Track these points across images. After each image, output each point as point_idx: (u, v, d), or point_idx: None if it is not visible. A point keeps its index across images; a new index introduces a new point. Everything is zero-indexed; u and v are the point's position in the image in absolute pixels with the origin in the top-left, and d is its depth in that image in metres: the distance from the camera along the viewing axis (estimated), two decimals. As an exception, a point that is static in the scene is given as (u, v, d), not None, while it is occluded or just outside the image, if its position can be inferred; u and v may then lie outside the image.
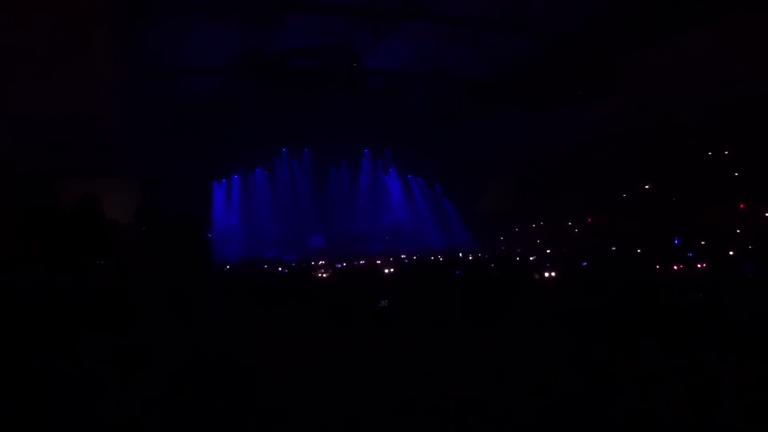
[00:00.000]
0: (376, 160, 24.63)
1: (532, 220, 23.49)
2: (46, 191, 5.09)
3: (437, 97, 20.41)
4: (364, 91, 19.66)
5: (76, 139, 16.14)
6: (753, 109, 15.95)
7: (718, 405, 3.47)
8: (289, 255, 20.70)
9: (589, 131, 19.61)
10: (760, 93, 15.33)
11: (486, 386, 4.35)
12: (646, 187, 20.00)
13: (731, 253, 12.35)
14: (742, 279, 8.78)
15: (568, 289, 8.53)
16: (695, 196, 17.27)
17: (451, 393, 4.44)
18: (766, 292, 7.29)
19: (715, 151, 18.18)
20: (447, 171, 24.13)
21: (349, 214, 23.93)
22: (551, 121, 19.38)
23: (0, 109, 12.82)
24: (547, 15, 15.23)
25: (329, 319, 7.00)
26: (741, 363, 3.49)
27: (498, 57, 17.51)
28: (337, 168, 24.14)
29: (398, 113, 20.79)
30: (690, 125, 18.37)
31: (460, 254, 17.44)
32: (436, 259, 16.15)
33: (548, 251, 17.54)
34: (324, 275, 13.68)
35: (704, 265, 10.17)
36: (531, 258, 14.51)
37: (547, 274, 10.22)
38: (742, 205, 16.46)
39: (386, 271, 13.72)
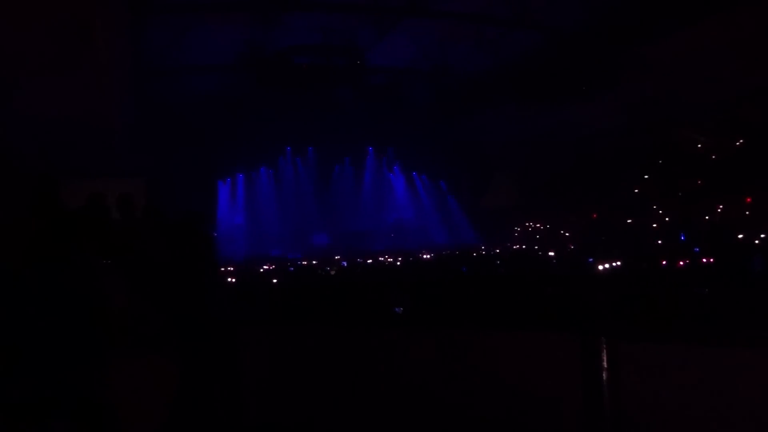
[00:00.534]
0: (380, 157, 24.58)
1: (537, 216, 23.43)
2: (52, 192, 5.08)
3: (441, 94, 20.37)
4: (367, 89, 19.65)
5: (80, 140, 16.15)
6: (757, 104, 15.87)
7: (726, 401, 3.45)
8: (294, 253, 20.72)
9: (593, 127, 19.54)
10: (763, 87, 15.25)
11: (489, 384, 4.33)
12: (652, 182, 19.93)
13: (738, 247, 12.30)
14: (748, 273, 8.73)
15: (574, 285, 8.50)
16: (701, 191, 17.20)
17: (455, 391, 4.42)
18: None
19: (721, 145, 18.10)
20: (451, 168, 24.07)
21: (354, 211, 23.90)
22: (555, 116, 19.32)
23: (3, 110, 12.84)
24: (549, 11, 15.19)
25: (335, 317, 6.99)
26: (749, 358, 3.46)
27: (501, 53, 17.46)
28: (342, 166, 24.11)
29: (402, 110, 20.75)
30: (694, 120, 18.29)
31: (465, 251, 17.45)
32: (442, 255, 16.16)
33: (553, 247, 17.50)
34: (330, 273, 13.70)
35: (711, 260, 10.13)
36: (536, 254, 14.49)
37: (553, 271, 10.20)
38: (748, 199, 16.38)
39: (391, 266, 13.73)
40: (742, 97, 16.15)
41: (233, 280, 12.29)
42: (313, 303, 8.19)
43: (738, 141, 17.69)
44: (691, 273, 9.70)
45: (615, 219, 19.68)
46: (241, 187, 23.11)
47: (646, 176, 20.09)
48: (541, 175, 23.00)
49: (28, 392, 3.85)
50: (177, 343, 4.91)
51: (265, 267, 15.65)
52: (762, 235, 13.56)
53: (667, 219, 17.80)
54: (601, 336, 3.83)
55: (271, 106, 19.67)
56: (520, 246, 19.69)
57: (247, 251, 20.37)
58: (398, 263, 15.69)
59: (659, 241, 15.32)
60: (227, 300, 8.08)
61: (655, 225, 18.02)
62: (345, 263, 16.45)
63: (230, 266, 14.89)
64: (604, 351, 3.78)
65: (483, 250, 18.72)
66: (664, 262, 10.46)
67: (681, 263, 10.26)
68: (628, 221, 19.12)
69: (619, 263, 10.78)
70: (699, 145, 18.44)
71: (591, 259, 11.58)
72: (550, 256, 14.29)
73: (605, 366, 3.76)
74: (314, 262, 17.14)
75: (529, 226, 23.59)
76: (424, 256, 17.21)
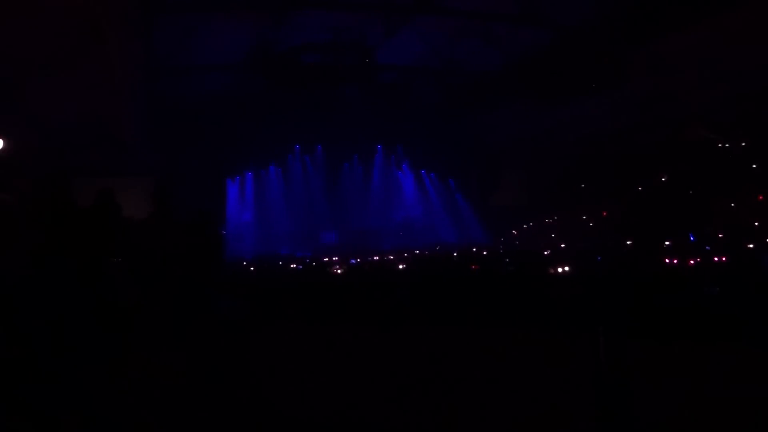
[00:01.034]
0: (389, 155, 24.54)
1: (546, 214, 23.35)
2: (64, 190, 5.12)
3: (449, 92, 20.32)
4: (376, 87, 19.64)
5: (91, 139, 16.29)
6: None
7: (738, 398, 3.43)
8: (303, 251, 20.78)
9: (602, 124, 19.43)
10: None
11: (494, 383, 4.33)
12: (662, 179, 19.81)
13: (750, 246, 12.19)
14: (760, 272, 8.67)
15: (582, 283, 8.48)
16: (712, 188, 17.07)
17: (462, 388, 4.43)
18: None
19: (732, 142, 17.95)
20: (460, 166, 24.03)
21: (363, 209, 23.90)
22: (564, 113, 19.24)
23: (15, 110, 12.94)
24: (558, 7, 15.11)
25: (343, 316, 7.01)
26: (760, 356, 3.44)
27: (509, 50, 17.40)
28: (350, 164, 24.10)
29: (411, 108, 20.73)
30: (705, 117, 18.15)
31: (474, 249, 17.43)
32: (451, 254, 16.14)
33: (563, 245, 17.45)
34: (338, 271, 13.73)
35: (723, 258, 10.06)
36: (545, 252, 14.45)
37: (561, 269, 10.17)
38: (760, 197, 16.24)
39: (400, 266, 13.73)
40: (754, 94, 16.00)
41: (241, 277, 12.34)
42: (322, 301, 8.21)
43: (750, 138, 17.54)
44: (702, 272, 9.63)
45: (624, 217, 19.58)
46: (250, 186, 23.17)
47: (656, 174, 19.96)
48: (550, 173, 22.91)
49: (40, 388, 3.89)
50: (186, 339, 4.95)
51: (273, 265, 15.71)
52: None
53: (677, 217, 17.67)
54: (610, 334, 3.82)
55: (280, 104, 19.72)
56: (529, 244, 19.62)
57: (256, 249, 20.44)
58: (406, 261, 15.70)
59: (669, 240, 15.21)
60: (236, 297, 8.11)
61: (665, 223, 17.91)
62: (353, 261, 16.49)
63: (239, 264, 14.95)
64: (614, 349, 3.77)
65: (491, 248, 18.69)
66: (675, 261, 10.40)
67: (692, 262, 10.20)
68: (638, 219, 19.01)
69: (627, 261, 10.74)
70: (709, 143, 18.29)
71: (599, 258, 11.55)
72: (559, 253, 14.25)
73: (614, 364, 3.75)
74: (323, 260, 17.20)
75: (539, 223, 23.51)
76: (433, 254, 17.22)
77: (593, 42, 16.00)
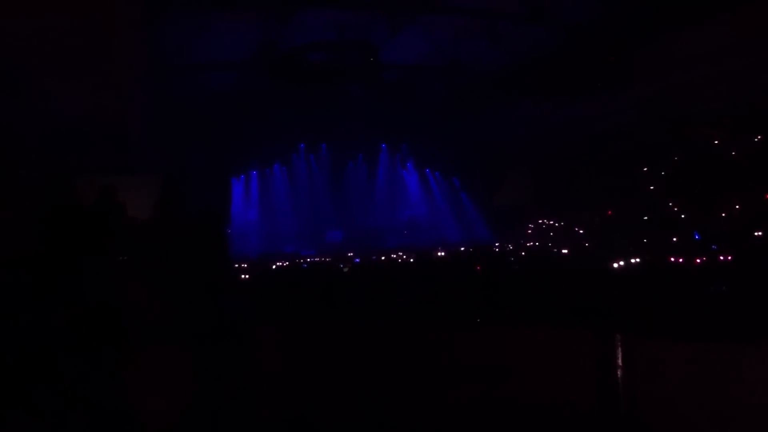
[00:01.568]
0: (393, 154, 24.54)
1: (551, 213, 23.29)
2: (69, 189, 5.12)
3: (454, 90, 20.29)
4: (381, 85, 19.63)
5: (96, 137, 16.32)
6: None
7: (745, 398, 3.41)
8: (307, 250, 20.79)
9: (608, 123, 19.38)
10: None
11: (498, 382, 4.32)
12: (668, 179, 19.72)
13: (756, 245, 12.14)
14: (766, 271, 8.62)
15: (586, 282, 8.45)
16: (718, 186, 16.99)
17: (469, 387, 4.42)
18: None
19: (739, 141, 17.85)
20: (465, 164, 23.97)
21: (367, 208, 23.89)
22: (569, 113, 19.19)
23: (20, 108, 12.99)
24: (564, 6, 15.07)
25: (349, 314, 7.01)
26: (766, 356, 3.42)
27: (515, 49, 17.36)
28: (355, 162, 24.10)
29: (415, 107, 20.70)
30: (711, 116, 18.06)
31: (479, 248, 17.40)
32: (456, 253, 16.13)
33: (568, 244, 17.40)
34: (343, 270, 13.72)
35: (729, 257, 10.01)
36: (551, 251, 14.42)
37: (565, 268, 10.14)
38: (767, 196, 16.15)
39: (404, 263, 13.73)
40: (760, 93, 15.91)
41: (247, 276, 12.34)
42: (327, 300, 8.21)
43: (756, 137, 17.44)
44: (708, 270, 9.59)
45: (630, 216, 19.50)
46: (255, 184, 23.21)
47: (662, 173, 19.88)
48: (555, 172, 22.84)
49: (47, 389, 3.89)
50: (191, 339, 4.94)
51: (278, 264, 15.72)
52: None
53: (683, 216, 17.60)
54: (616, 333, 3.81)
55: (285, 103, 19.73)
56: (534, 243, 19.58)
57: (260, 248, 20.46)
58: (411, 260, 15.69)
59: (675, 239, 15.15)
60: (241, 296, 8.12)
61: (671, 222, 17.84)
62: (358, 260, 16.48)
63: (244, 263, 14.96)
64: (619, 348, 3.76)
65: (497, 247, 18.66)
66: (680, 260, 10.36)
67: (698, 261, 10.15)
68: (644, 218, 18.94)
69: (634, 260, 10.69)
70: (716, 142, 18.20)
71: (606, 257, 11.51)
72: (565, 253, 14.21)
73: (620, 363, 3.74)
74: (328, 259, 17.19)
75: (544, 223, 23.45)
76: (438, 254, 17.18)
77: (599, 41, 15.95)
